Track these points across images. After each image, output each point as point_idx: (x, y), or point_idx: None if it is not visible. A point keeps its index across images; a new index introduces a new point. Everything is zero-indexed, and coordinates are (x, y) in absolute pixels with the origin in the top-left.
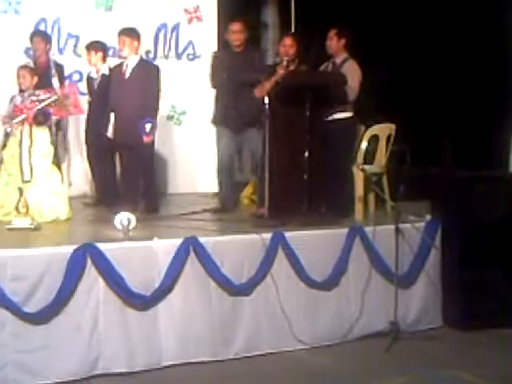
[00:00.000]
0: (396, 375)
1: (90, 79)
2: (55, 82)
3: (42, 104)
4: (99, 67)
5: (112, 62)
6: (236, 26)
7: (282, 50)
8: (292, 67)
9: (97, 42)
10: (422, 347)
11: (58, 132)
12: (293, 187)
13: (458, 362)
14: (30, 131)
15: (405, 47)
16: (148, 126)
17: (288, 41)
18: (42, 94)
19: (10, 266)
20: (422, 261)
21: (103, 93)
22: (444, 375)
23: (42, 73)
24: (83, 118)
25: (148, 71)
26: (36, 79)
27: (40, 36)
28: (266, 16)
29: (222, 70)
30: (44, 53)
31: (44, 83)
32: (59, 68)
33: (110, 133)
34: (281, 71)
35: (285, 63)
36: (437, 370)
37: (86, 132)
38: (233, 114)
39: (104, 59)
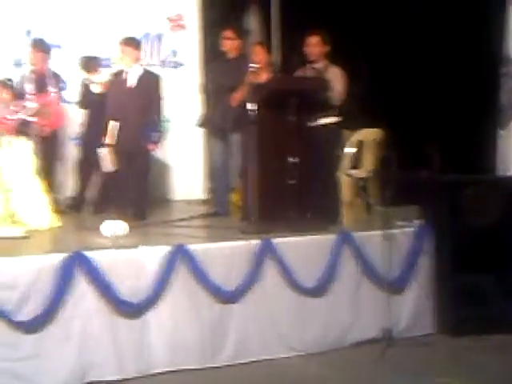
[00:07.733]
0: (389, 383)
1: (86, 87)
2: (53, 90)
3: (23, 114)
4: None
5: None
6: (228, 33)
7: (253, 57)
8: (264, 74)
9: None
10: (415, 354)
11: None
12: (279, 193)
13: (450, 369)
14: (12, 141)
15: (390, 52)
16: (156, 135)
17: (258, 49)
18: (23, 104)
19: (0, 274)
20: (413, 266)
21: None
22: (437, 382)
23: (39, 81)
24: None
25: (152, 80)
26: (9, 92)
27: (35, 46)
28: (248, 23)
29: (212, 77)
30: (40, 62)
31: (42, 92)
32: (57, 77)
33: (108, 141)
34: (250, 77)
35: (253, 69)
36: (430, 377)
37: (84, 138)
38: (219, 119)
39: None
